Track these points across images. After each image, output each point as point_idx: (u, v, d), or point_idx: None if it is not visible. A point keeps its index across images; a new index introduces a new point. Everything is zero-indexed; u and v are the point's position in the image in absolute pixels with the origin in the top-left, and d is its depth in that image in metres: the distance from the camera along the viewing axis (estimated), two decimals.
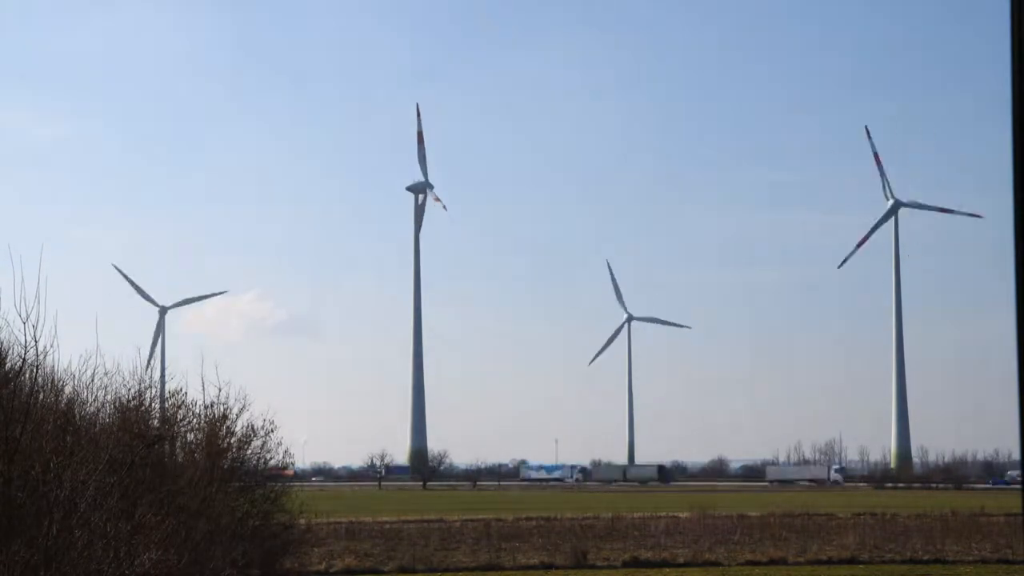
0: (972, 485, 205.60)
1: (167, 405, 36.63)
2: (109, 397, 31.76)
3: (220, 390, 38.23)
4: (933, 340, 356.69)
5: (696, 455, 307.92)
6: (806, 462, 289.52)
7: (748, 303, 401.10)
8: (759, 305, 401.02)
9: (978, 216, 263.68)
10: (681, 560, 62.28)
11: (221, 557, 29.71)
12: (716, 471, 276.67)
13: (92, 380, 30.26)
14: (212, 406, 38.02)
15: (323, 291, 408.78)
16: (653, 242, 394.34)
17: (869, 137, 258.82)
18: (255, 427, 40.99)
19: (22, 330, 21.93)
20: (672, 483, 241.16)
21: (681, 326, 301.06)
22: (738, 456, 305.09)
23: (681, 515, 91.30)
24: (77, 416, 29.25)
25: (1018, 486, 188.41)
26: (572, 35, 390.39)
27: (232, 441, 38.85)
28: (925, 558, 62.94)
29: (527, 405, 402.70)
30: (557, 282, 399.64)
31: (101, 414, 31.17)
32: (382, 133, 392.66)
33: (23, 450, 21.12)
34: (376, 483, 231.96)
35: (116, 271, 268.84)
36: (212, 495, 32.07)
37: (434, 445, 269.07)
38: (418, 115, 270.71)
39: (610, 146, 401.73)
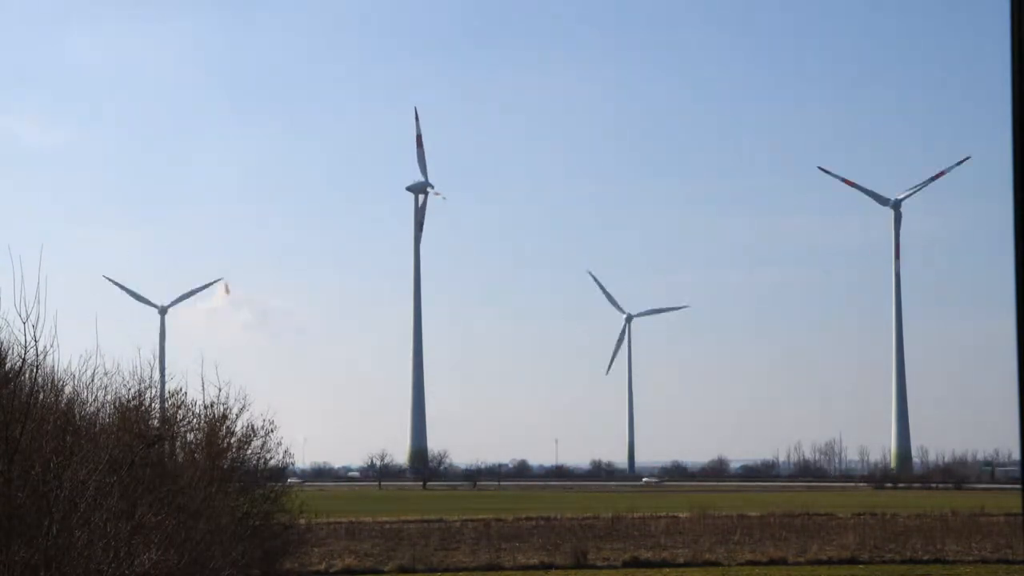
0: (972, 485, 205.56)
1: (167, 405, 36.62)
2: (109, 397, 31.78)
3: (220, 390, 38.27)
4: (933, 340, 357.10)
5: (696, 455, 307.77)
6: (806, 462, 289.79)
7: (748, 303, 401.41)
8: (759, 305, 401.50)
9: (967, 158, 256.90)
10: (681, 560, 62.26)
11: (221, 557, 29.70)
12: (716, 471, 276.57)
13: (92, 380, 30.27)
14: (212, 406, 38.03)
15: (323, 291, 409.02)
16: (653, 242, 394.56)
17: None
18: (255, 427, 41.05)
19: (22, 330, 21.93)
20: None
21: (678, 308, 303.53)
22: (738, 456, 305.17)
23: (681, 515, 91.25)
24: (77, 416, 29.23)
25: (1011, 484, 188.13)
26: (573, 36, 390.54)
27: (232, 441, 38.84)
28: (925, 558, 62.91)
29: (527, 405, 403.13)
30: (557, 283, 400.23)
31: (101, 414, 31.16)
32: (382, 133, 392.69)
33: (23, 450, 21.11)
34: (376, 483, 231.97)
35: (109, 281, 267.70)
36: (212, 495, 32.05)
37: (434, 445, 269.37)
38: (416, 119, 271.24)
39: (609, 146, 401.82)
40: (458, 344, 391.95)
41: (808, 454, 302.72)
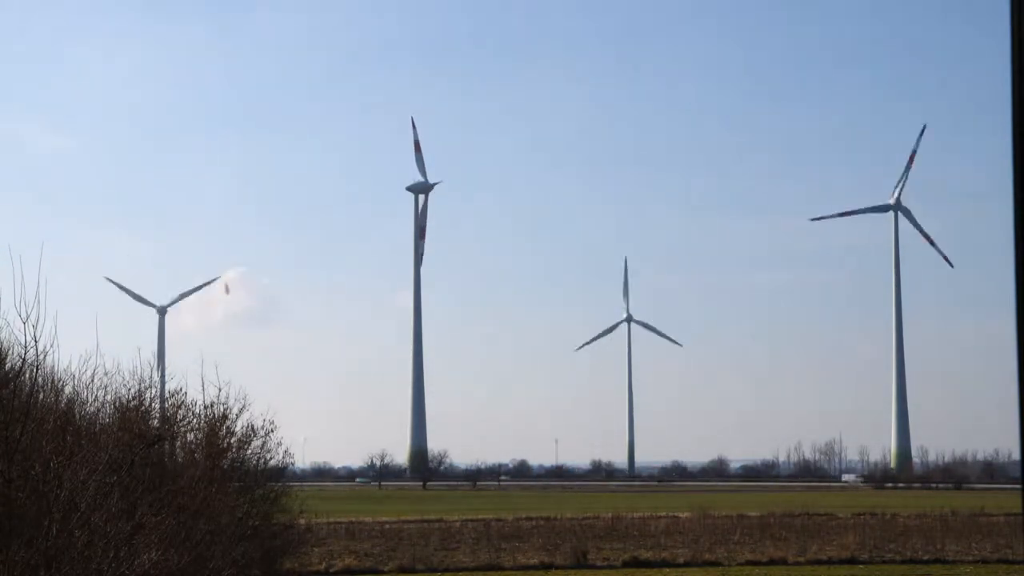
0: (972, 485, 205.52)
1: (167, 405, 36.59)
2: (109, 397, 31.74)
3: (220, 390, 38.23)
4: (933, 340, 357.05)
5: (696, 455, 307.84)
6: (806, 462, 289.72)
7: (748, 304, 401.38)
8: (759, 306, 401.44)
9: (950, 265, 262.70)
10: (681, 560, 62.24)
11: (221, 557, 29.68)
12: (716, 471, 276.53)
13: (92, 380, 30.23)
14: (212, 406, 37.98)
15: (323, 291, 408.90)
16: (653, 242, 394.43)
17: (921, 135, 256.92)
18: (255, 427, 41.01)
19: (22, 330, 21.91)
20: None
21: (674, 342, 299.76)
22: (738, 456, 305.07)
23: (681, 515, 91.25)
24: (77, 416, 29.21)
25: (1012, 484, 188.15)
26: (575, 37, 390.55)
27: (232, 441, 38.80)
28: (925, 558, 62.91)
29: (527, 405, 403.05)
30: (558, 284, 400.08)
31: (101, 414, 31.13)
32: (382, 134, 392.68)
33: (23, 450, 21.09)
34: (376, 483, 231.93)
35: (110, 283, 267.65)
36: (212, 495, 32.02)
37: (434, 445, 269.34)
38: (413, 127, 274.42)
39: (610, 147, 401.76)
40: (458, 344, 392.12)
41: (808, 454, 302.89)
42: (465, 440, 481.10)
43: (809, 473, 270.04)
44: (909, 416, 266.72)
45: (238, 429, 39.48)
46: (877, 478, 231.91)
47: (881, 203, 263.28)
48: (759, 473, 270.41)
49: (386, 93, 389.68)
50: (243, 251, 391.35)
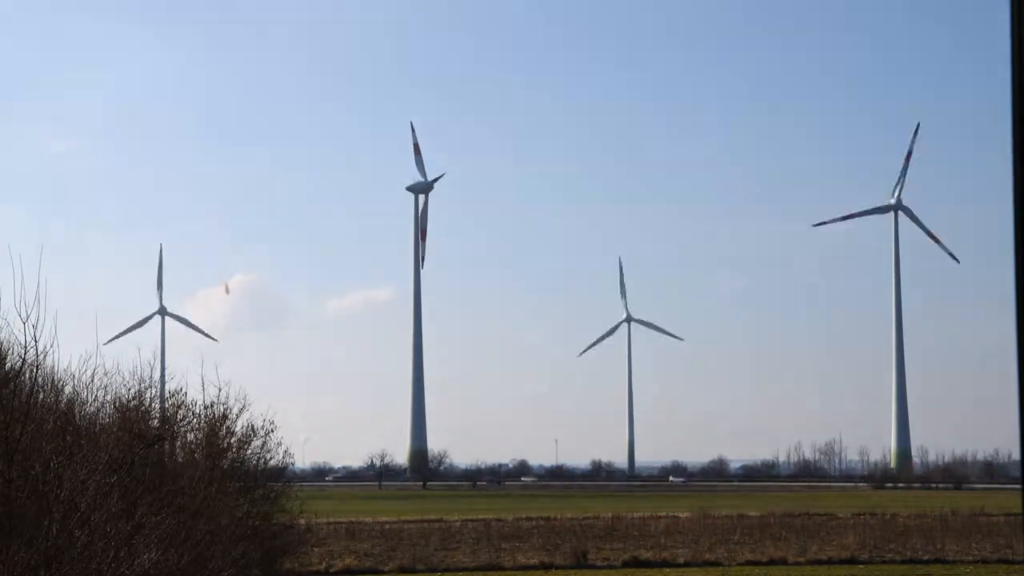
0: (972, 485, 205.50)
1: (167, 405, 36.59)
2: (109, 397, 31.74)
3: (220, 390, 38.24)
4: (933, 340, 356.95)
5: (696, 455, 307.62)
6: (806, 462, 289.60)
7: (748, 304, 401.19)
8: (759, 306, 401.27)
9: (956, 260, 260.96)
10: (681, 560, 62.26)
11: (221, 557, 29.68)
12: (716, 471, 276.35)
13: (92, 380, 30.24)
14: (212, 406, 38.00)
15: (323, 291, 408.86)
16: (653, 242, 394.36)
17: (916, 134, 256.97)
18: (255, 427, 41.03)
19: (22, 330, 21.91)
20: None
21: (675, 337, 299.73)
22: (738, 456, 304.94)
23: (681, 515, 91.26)
24: (77, 416, 29.22)
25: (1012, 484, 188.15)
26: (576, 39, 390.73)
27: (232, 441, 38.82)
28: (925, 558, 62.92)
29: (527, 405, 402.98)
30: (558, 284, 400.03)
31: (101, 414, 31.13)
32: (382, 134, 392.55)
33: (23, 450, 21.10)
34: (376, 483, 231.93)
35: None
36: (212, 495, 32.02)
37: (434, 445, 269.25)
38: (412, 131, 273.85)
39: (610, 148, 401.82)
40: (458, 344, 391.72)
41: (808, 454, 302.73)
42: (465, 440, 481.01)
43: (809, 473, 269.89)
44: (909, 416, 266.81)
45: (238, 429, 39.54)
46: (877, 478, 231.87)
47: (881, 204, 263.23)
48: (759, 473, 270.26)
49: (386, 93, 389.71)
50: (243, 251, 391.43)
